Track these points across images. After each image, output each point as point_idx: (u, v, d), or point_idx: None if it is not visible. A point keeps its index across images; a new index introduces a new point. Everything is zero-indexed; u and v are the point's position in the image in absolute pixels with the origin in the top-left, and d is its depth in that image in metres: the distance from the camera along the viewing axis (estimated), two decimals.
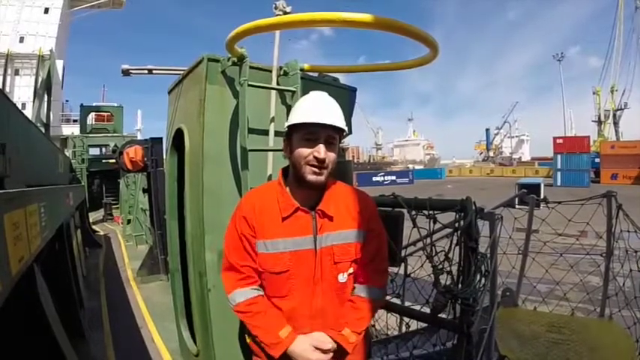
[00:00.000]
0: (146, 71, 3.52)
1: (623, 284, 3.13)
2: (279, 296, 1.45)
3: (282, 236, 1.42)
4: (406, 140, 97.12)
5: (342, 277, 1.46)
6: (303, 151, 1.39)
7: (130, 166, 8.84)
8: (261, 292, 1.48)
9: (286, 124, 1.47)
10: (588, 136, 32.34)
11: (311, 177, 1.38)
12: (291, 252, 1.42)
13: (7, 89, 22.86)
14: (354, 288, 1.52)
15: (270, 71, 2.61)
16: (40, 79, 21.99)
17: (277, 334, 1.39)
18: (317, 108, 1.41)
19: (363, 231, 1.49)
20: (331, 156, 1.40)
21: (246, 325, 1.48)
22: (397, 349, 2.85)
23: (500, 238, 2.39)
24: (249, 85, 2.39)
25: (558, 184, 29.03)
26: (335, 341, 1.41)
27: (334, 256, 1.44)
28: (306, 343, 1.40)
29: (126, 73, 3.52)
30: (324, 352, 1.40)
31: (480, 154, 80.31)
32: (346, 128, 1.46)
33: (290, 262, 1.42)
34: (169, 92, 3.31)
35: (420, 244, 2.13)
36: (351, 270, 1.48)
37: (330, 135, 1.40)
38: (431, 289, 2.02)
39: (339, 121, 1.41)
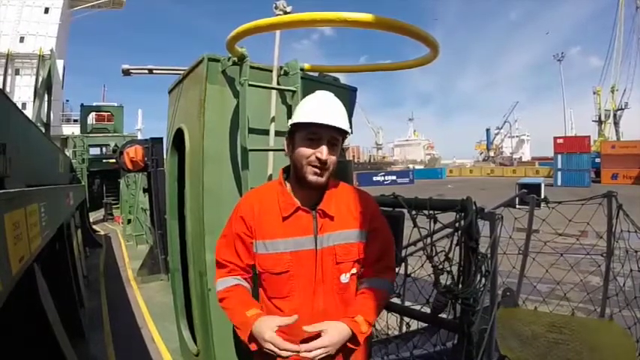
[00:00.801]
0: (146, 71, 3.52)
1: (624, 284, 3.13)
2: (280, 297, 1.43)
3: (283, 236, 1.41)
4: (407, 140, 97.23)
5: (345, 278, 1.45)
6: (306, 151, 1.38)
7: (130, 166, 8.84)
8: (242, 283, 1.48)
9: (290, 122, 1.46)
10: (589, 136, 32.34)
11: (312, 177, 1.37)
12: (292, 252, 1.41)
13: (8, 89, 22.93)
14: (361, 282, 1.51)
15: (271, 71, 2.61)
16: (40, 79, 22.00)
17: (244, 314, 1.36)
18: (322, 108, 1.39)
19: (365, 231, 1.48)
20: (333, 158, 1.39)
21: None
22: (397, 349, 2.85)
23: (501, 238, 2.39)
24: (250, 85, 2.39)
25: (559, 184, 29.04)
26: (349, 328, 1.33)
27: (336, 256, 1.42)
28: (267, 320, 1.32)
29: (126, 72, 3.52)
30: (291, 329, 1.32)
31: (481, 154, 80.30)
32: (350, 130, 1.45)
33: (290, 262, 1.41)
34: (170, 92, 3.32)
35: (420, 244, 2.13)
36: (354, 270, 1.47)
37: (333, 136, 1.39)
38: (431, 289, 2.02)
39: (343, 122, 1.40)
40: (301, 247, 1.41)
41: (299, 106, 1.50)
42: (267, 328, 1.27)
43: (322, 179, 1.39)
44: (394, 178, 40.99)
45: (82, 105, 25.47)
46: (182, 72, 2.98)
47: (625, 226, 3.15)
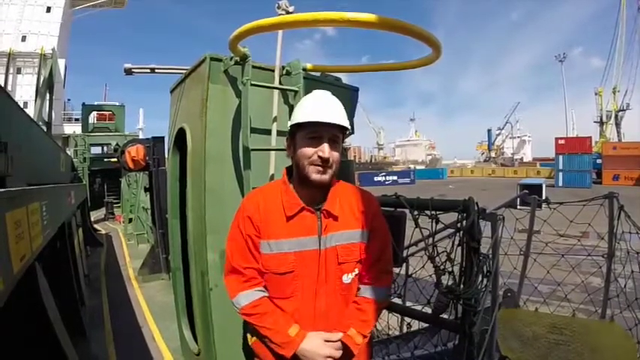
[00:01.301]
0: (148, 70, 3.52)
1: (625, 285, 3.13)
2: (283, 297, 1.43)
3: (287, 236, 1.40)
4: (408, 140, 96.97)
5: (347, 278, 1.45)
6: (307, 151, 1.37)
7: (131, 165, 8.85)
8: (266, 293, 1.45)
9: (289, 123, 1.46)
10: (590, 137, 32.27)
11: (315, 176, 1.37)
12: (296, 252, 1.40)
13: (10, 88, 22.92)
14: (358, 289, 1.51)
15: (273, 71, 2.61)
16: (42, 78, 22.00)
17: (287, 333, 1.37)
18: (320, 107, 1.40)
19: (367, 231, 1.48)
20: (335, 155, 1.39)
21: (252, 327, 1.45)
22: (398, 349, 2.85)
23: (502, 239, 2.38)
24: (252, 85, 2.39)
25: (560, 184, 29.02)
26: (341, 342, 1.39)
27: (339, 256, 1.42)
28: (317, 338, 1.38)
29: (128, 72, 3.52)
30: (334, 344, 1.39)
31: (482, 154, 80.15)
32: (349, 127, 1.45)
33: (295, 262, 1.40)
34: (171, 91, 3.32)
35: (421, 245, 2.13)
36: (356, 271, 1.47)
37: (333, 134, 1.39)
38: (432, 290, 2.02)
39: (342, 119, 1.40)
40: (305, 247, 1.40)
41: (297, 106, 1.51)
42: (321, 345, 1.37)
43: (326, 177, 1.38)
44: (395, 178, 41.00)
45: (83, 104, 25.49)
46: (184, 71, 2.97)
47: (626, 227, 3.14)
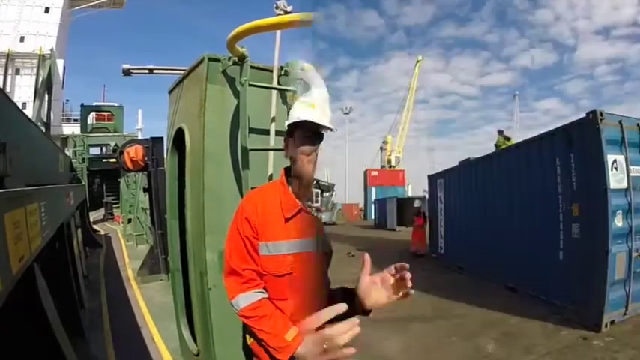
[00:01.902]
0: (147, 71, 3.52)
1: None
2: (281, 299, 1.42)
3: (285, 238, 1.40)
4: None
5: None
6: (306, 149, 1.38)
7: (130, 166, 8.86)
8: (265, 295, 1.43)
9: (287, 122, 1.45)
10: None
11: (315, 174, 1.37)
12: (294, 254, 1.39)
13: (8, 89, 22.88)
14: None
15: (271, 71, 2.61)
16: (40, 79, 21.98)
17: (283, 338, 1.33)
18: (321, 106, 1.40)
19: None
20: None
21: (250, 329, 1.44)
22: None
23: None
24: (250, 85, 2.39)
25: None
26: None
27: None
28: (313, 343, 1.33)
29: (127, 72, 3.52)
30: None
31: None
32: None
33: (293, 264, 1.39)
34: (170, 92, 3.32)
35: None
36: None
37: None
38: None
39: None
40: (303, 249, 1.40)
41: (295, 105, 1.50)
42: (318, 352, 1.28)
43: None
44: None
45: (82, 105, 25.59)
46: (182, 72, 2.98)
47: None
